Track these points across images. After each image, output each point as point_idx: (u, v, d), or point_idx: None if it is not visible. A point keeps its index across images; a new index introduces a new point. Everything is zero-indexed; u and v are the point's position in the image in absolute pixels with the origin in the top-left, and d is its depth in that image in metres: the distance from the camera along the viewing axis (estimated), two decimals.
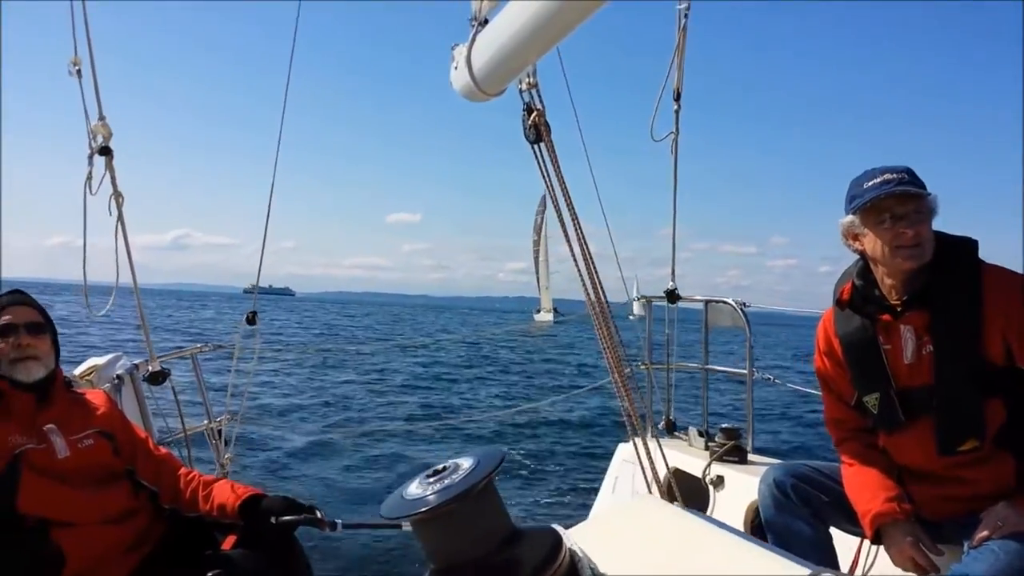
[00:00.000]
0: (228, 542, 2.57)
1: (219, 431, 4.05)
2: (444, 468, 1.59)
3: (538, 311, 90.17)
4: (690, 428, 4.60)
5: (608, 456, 4.97)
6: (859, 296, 2.44)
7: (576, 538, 1.64)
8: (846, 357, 2.48)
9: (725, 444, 3.99)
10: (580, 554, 1.60)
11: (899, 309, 2.35)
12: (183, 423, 3.83)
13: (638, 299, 5.07)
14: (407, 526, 3.60)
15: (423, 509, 1.48)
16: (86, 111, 3.12)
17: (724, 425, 4.13)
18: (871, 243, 2.34)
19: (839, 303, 2.49)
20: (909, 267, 2.28)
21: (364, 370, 24.55)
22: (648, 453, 2.40)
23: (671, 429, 4.74)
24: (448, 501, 1.47)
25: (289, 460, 10.58)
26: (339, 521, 2.82)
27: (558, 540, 1.59)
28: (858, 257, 2.46)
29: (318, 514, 2.68)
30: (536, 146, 2.33)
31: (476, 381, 23.33)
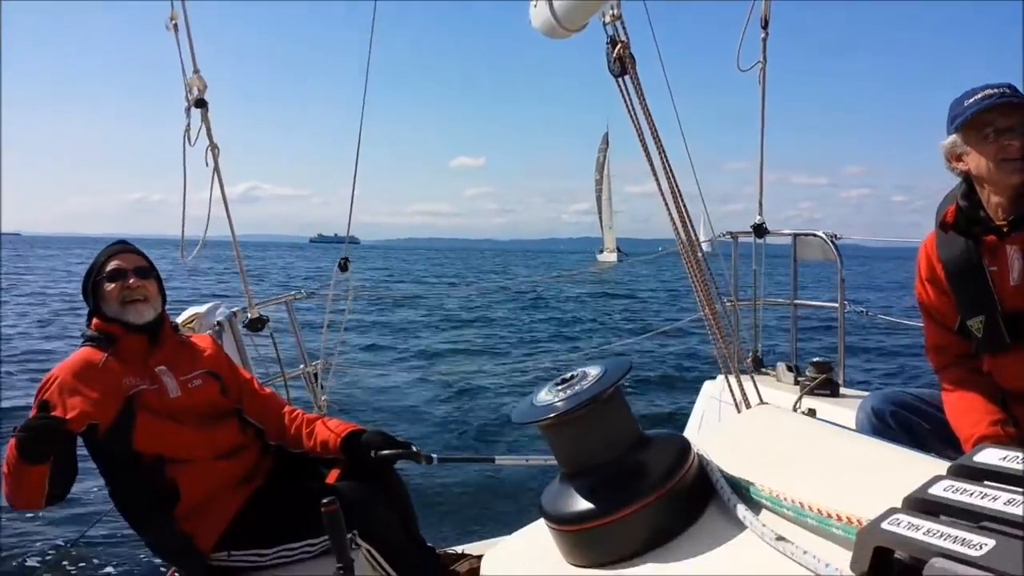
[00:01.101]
0: (331, 476, 2.67)
1: (315, 375, 4.18)
2: (572, 376, 1.63)
3: (601, 251, 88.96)
4: (778, 364, 4.55)
5: (692, 393, 4.97)
6: (963, 217, 2.36)
7: (698, 446, 1.66)
8: (949, 281, 2.41)
9: (816, 378, 3.93)
10: (707, 458, 1.61)
11: (1005, 230, 2.27)
12: (282, 367, 3.96)
13: (721, 236, 4.98)
14: (500, 460, 3.70)
15: (552, 415, 1.53)
16: (183, 65, 3.21)
17: (815, 359, 4.07)
18: (975, 161, 2.26)
19: (942, 225, 2.41)
20: (1016, 180, 2.19)
21: (452, 313, 25.02)
22: (740, 386, 2.39)
23: (758, 365, 4.70)
24: (576, 407, 1.51)
25: (383, 400, 10.88)
26: (434, 455, 2.92)
27: (686, 445, 1.61)
28: (961, 179, 2.38)
29: (413, 448, 2.78)
30: (620, 79, 2.30)
31: (537, 323, 23.51)
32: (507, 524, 2.80)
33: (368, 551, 2.43)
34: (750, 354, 4.75)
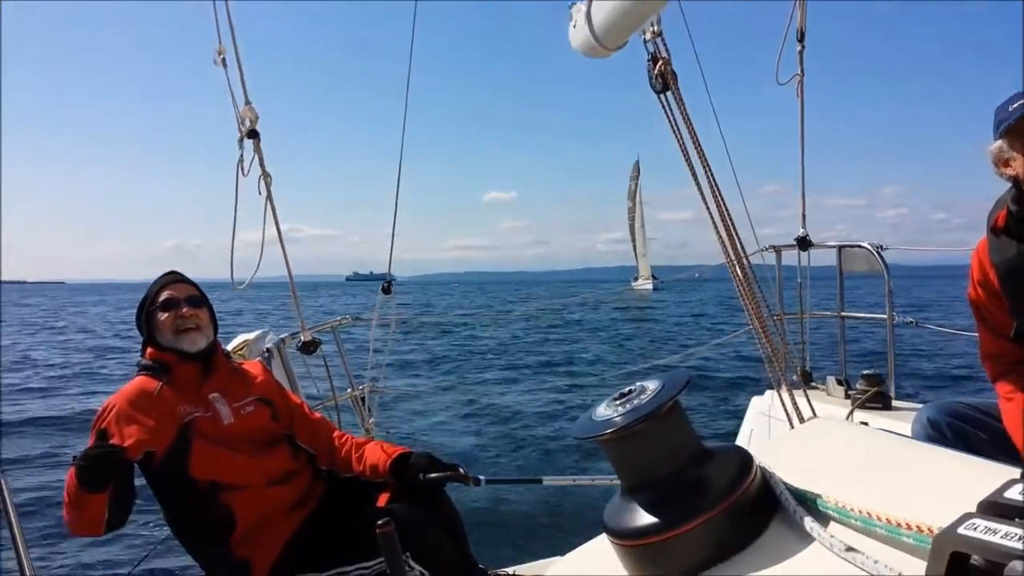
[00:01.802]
0: (382, 499, 2.67)
1: (362, 398, 4.21)
2: (631, 391, 1.62)
3: (635, 279, 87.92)
4: (828, 377, 4.48)
5: (739, 413, 4.91)
6: (1014, 222, 2.31)
7: (759, 459, 1.64)
8: (1002, 286, 2.37)
9: (867, 391, 3.87)
10: (770, 471, 1.59)
11: None
12: (333, 390, 4.00)
13: (765, 249, 4.93)
14: (547, 480, 3.69)
15: (610, 430, 1.52)
16: (233, 97, 3.29)
17: (866, 371, 4.00)
18: (1022, 165, 2.22)
19: (993, 230, 2.37)
20: None
21: (493, 338, 25.15)
22: (793, 400, 2.36)
23: (807, 380, 4.63)
24: (635, 422, 1.50)
25: (428, 423, 10.94)
26: (482, 477, 2.91)
27: (748, 457, 1.59)
28: (1010, 184, 2.34)
29: (461, 470, 2.78)
30: (663, 96, 2.30)
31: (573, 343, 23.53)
32: (555, 545, 2.79)
33: (422, 573, 2.42)
34: (797, 368, 4.68)
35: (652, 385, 1.60)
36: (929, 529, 1.17)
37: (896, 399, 4.04)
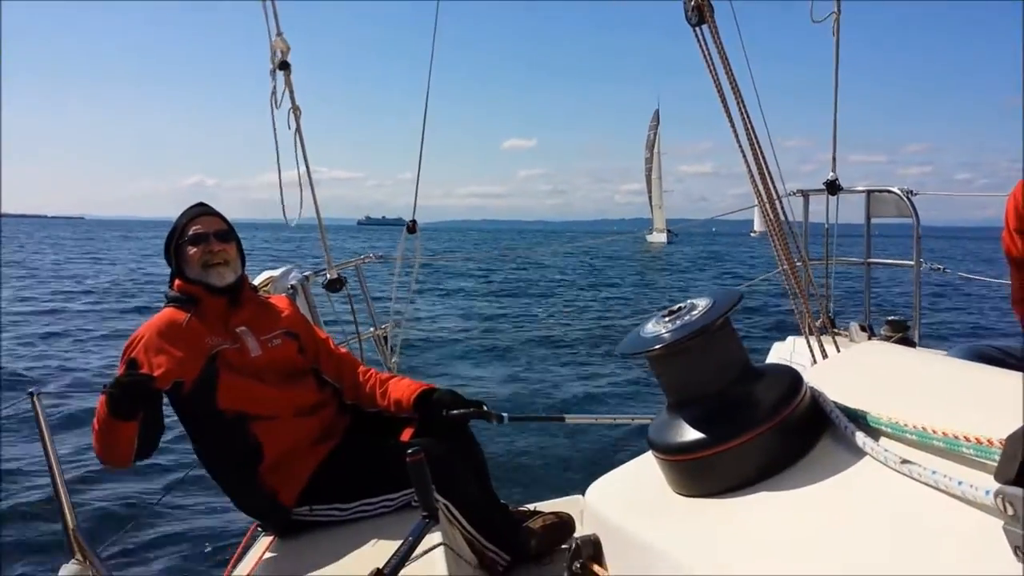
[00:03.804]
0: (405, 434, 2.71)
1: (385, 337, 4.23)
2: (680, 308, 1.61)
3: (650, 231, 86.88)
4: (851, 323, 4.45)
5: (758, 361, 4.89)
6: None
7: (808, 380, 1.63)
8: None
9: (891, 336, 3.84)
10: (819, 392, 1.58)
11: None
12: (357, 328, 4.02)
13: (793, 194, 4.85)
14: (570, 419, 3.71)
15: (659, 346, 1.52)
16: (268, 28, 3.25)
17: (890, 317, 3.97)
18: None
19: None
20: None
21: (515, 280, 25.29)
22: (820, 345, 2.35)
23: (831, 325, 4.59)
24: (685, 338, 1.49)
25: (451, 362, 11.04)
26: (505, 414, 2.93)
27: (797, 377, 1.58)
28: None
29: (484, 407, 2.80)
30: (698, 29, 2.24)
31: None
32: (577, 484, 2.81)
33: (446, 506, 2.46)
34: (820, 315, 4.64)
35: (702, 302, 1.59)
36: (989, 440, 1.16)
37: (921, 345, 4.01)
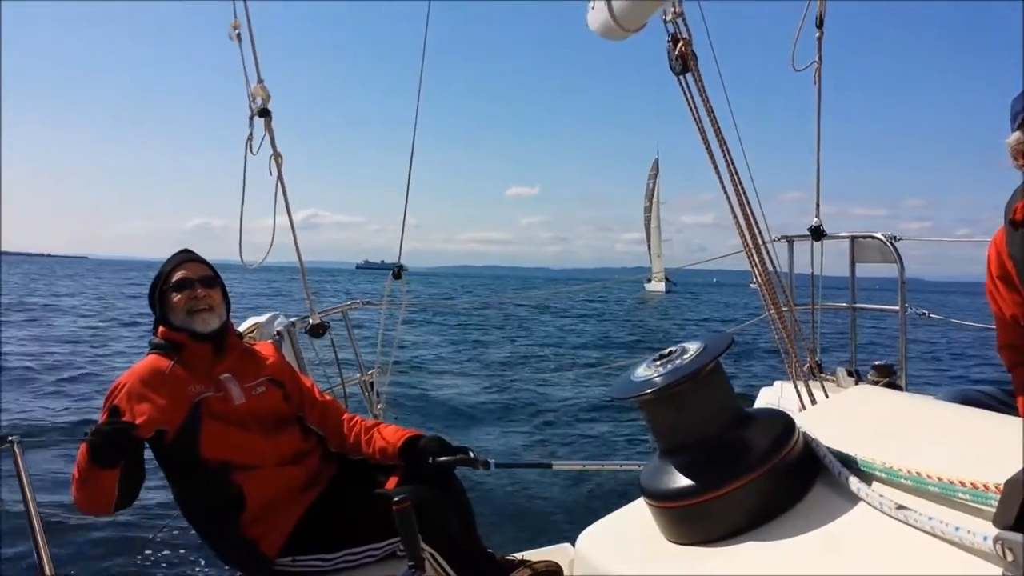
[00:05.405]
0: (390, 482, 2.67)
1: (371, 383, 4.19)
2: (671, 352, 1.59)
3: (649, 280, 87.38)
4: (838, 368, 4.45)
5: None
6: None
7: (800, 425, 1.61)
8: (1021, 278, 2.35)
9: (878, 382, 3.85)
10: (812, 436, 1.56)
11: None
12: (341, 375, 3.99)
13: (777, 239, 4.89)
14: (557, 465, 3.68)
15: (650, 390, 1.50)
16: (246, 74, 3.24)
17: (877, 362, 3.98)
18: None
19: (1012, 223, 2.36)
20: None
21: (504, 326, 25.32)
22: (808, 389, 2.35)
23: (818, 370, 4.60)
24: (675, 383, 1.48)
25: (436, 409, 10.95)
26: (491, 461, 2.90)
27: (790, 422, 1.56)
28: None
29: (470, 454, 2.77)
30: (682, 77, 2.27)
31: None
32: (564, 532, 2.77)
33: (432, 554, 2.42)
34: (807, 360, 4.65)
35: (693, 346, 1.57)
36: (985, 485, 1.15)
37: (908, 390, 4.01)
